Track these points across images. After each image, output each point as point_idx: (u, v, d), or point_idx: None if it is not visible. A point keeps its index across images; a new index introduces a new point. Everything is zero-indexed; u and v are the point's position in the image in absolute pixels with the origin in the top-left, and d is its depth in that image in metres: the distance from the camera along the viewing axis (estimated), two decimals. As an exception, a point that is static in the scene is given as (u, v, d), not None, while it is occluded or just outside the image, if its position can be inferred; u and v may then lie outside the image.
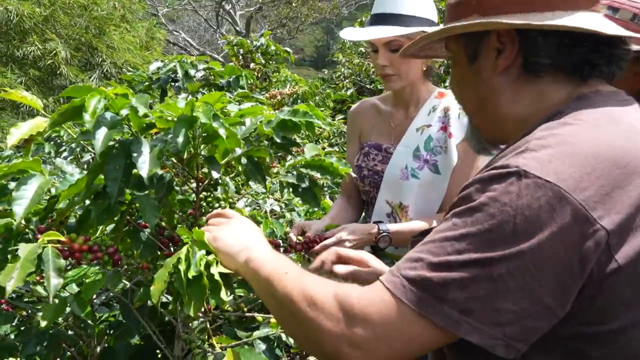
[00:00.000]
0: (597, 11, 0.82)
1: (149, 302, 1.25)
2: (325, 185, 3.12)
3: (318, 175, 1.30)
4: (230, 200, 1.31)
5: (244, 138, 1.19)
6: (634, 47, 0.86)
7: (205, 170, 1.20)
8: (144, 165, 1.01)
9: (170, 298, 1.24)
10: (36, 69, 6.73)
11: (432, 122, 1.68)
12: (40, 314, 1.14)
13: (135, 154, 1.02)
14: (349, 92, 7.39)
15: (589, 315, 0.69)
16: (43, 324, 1.09)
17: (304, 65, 25.71)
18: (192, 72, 2.86)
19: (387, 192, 1.70)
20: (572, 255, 0.65)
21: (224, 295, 0.97)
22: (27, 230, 1.12)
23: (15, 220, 1.02)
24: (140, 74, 3.14)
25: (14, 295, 1.37)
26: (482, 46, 0.84)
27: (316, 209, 2.35)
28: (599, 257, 0.66)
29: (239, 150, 1.20)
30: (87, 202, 1.14)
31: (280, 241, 1.43)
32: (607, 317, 0.69)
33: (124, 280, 1.23)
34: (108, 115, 1.03)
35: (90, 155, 2.66)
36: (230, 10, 18.21)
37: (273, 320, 1.45)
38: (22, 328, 1.39)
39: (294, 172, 1.30)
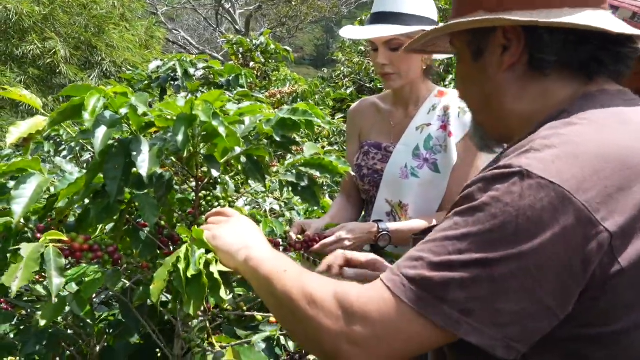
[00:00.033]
0: (605, 9, 0.81)
1: (148, 301, 1.25)
2: (324, 184, 3.12)
3: (317, 174, 1.30)
4: (230, 199, 1.31)
5: (243, 137, 1.18)
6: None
7: (205, 169, 1.19)
8: (143, 164, 1.01)
9: (169, 297, 1.24)
10: (35, 67, 6.73)
11: (431, 121, 1.68)
12: (39, 313, 1.14)
13: (134, 153, 1.02)
14: (348, 91, 7.39)
15: (590, 317, 0.68)
16: (42, 323, 1.09)
17: (304, 64, 25.71)
18: (191, 71, 2.86)
19: (387, 191, 1.70)
20: (574, 257, 0.65)
21: (224, 294, 0.97)
22: (26, 229, 1.12)
23: (14, 219, 1.01)
24: (140, 72, 3.15)
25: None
26: (488, 43, 0.83)
27: (315, 208, 2.35)
28: (601, 259, 0.65)
29: (238, 149, 1.19)
30: (87, 201, 1.13)
31: (280, 240, 1.43)
32: (610, 318, 0.68)
33: (123, 280, 1.23)
34: (107, 114, 1.03)
35: (90, 154, 2.66)
36: (230, 9, 18.20)
37: (272, 319, 1.45)
38: (22, 327, 1.38)
39: (294, 171, 1.30)
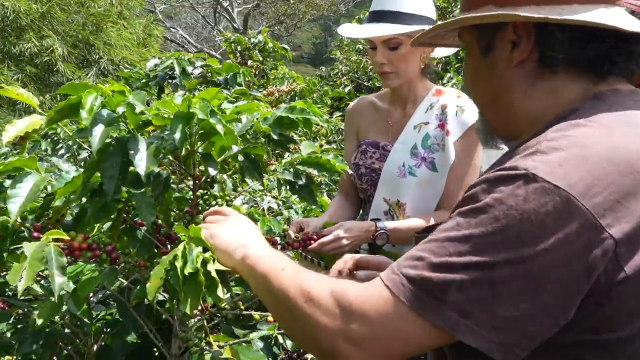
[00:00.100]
0: (620, 5, 0.79)
1: (145, 300, 1.25)
2: (322, 182, 3.12)
3: (315, 172, 1.30)
4: (227, 198, 1.31)
5: (240, 135, 1.18)
6: None
7: (202, 167, 1.19)
8: (141, 163, 1.01)
9: (167, 296, 1.23)
10: (33, 65, 6.71)
11: (429, 120, 1.68)
12: (36, 312, 1.14)
13: (132, 152, 1.01)
14: (346, 90, 7.40)
15: (594, 324, 0.67)
16: (39, 322, 1.08)
17: (302, 63, 25.68)
18: (189, 69, 2.86)
19: (385, 189, 1.70)
20: (577, 264, 0.63)
21: (221, 292, 0.97)
22: (22, 228, 1.11)
23: (10, 218, 1.01)
24: (138, 71, 3.14)
25: (9, 293, 1.37)
26: (497, 38, 0.81)
27: (313, 207, 2.35)
28: (606, 266, 0.64)
29: (235, 148, 1.19)
30: (84, 199, 1.13)
31: (278, 239, 1.43)
32: (615, 325, 0.67)
33: (120, 278, 1.22)
34: (105, 112, 1.02)
35: (87, 152, 2.65)
36: (228, 7, 18.16)
37: (270, 318, 1.45)
38: (19, 326, 1.38)
39: (291, 170, 1.30)
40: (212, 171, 1.14)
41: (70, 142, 2.61)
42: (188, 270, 0.93)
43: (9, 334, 1.41)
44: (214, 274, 0.95)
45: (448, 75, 5.37)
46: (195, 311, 1.06)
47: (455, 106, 1.66)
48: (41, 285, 1.32)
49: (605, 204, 0.64)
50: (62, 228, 1.12)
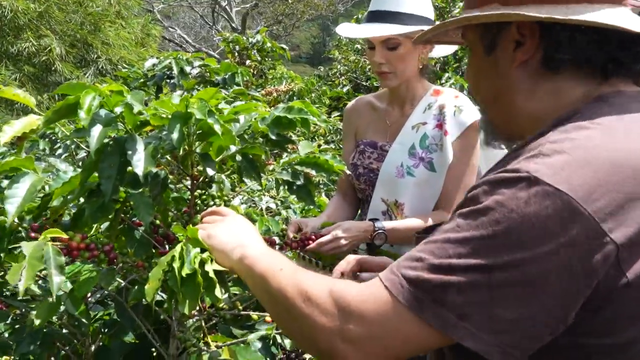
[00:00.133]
0: (625, 5, 0.77)
1: (143, 300, 1.24)
2: (321, 182, 3.12)
3: (313, 172, 1.30)
4: (225, 198, 1.31)
5: (238, 135, 1.18)
6: None
7: (200, 167, 1.19)
8: (139, 163, 1.00)
9: (165, 296, 1.23)
10: (31, 65, 6.69)
11: (427, 120, 1.68)
12: (34, 312, 1.14)
13: (130, 152, 1.01)
14: (345, 89, 7.40)
15: (595, 327, 0.67)
16: (37, 322, 1.08)
17: (300, 62, 25.69)
18: (187, 69, 2.86)
19: (383, 189, 1.70)
20: (578, 268, 0.63)
21: (219, 293, 0.97)
22: (20, 228, 1.11)
23: (7, 218, 1.01)
24: (136, 70, 3.14)
25: (7, 293, 1.37)
26: (501, 37, 0.80)
27: (311, 207, 2.35)
28: (607, 270, 0.63)
29: (233, 148, 1.19)
30: (82, 200, 1.13)
31: (276, 239, 1.43)
32: (616, 329, 0.67)
33: (118, 279, 1.22)
34: (103, 112, 1.02)
35: (85, 152, 2.65)
36: (226, 7, 18.15)
37: (268, 318, 1.45)
38: (16, 326, 1.38)
39: (289, 170, 1.30)
40: (210, 171, 1.13)
41: (68, 142, 2.60)
42: (186, 271, 0.93)
43: (6, 334, 1.41)
44: (211, 275, 0.95)
45: (446, 75, 5.37)
46: (193, 311, 1.06)
47: (453, 106, 1.66)
48: (39, 286, 1.31)
49: (608, 208, 0.63)
50: (59, 228, 1.12)
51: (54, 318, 1.32)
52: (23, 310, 1.35)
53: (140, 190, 1.09)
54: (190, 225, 1.03)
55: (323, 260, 1.51)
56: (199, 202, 1.25)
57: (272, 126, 1.19)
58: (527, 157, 0.69)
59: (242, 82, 2.90)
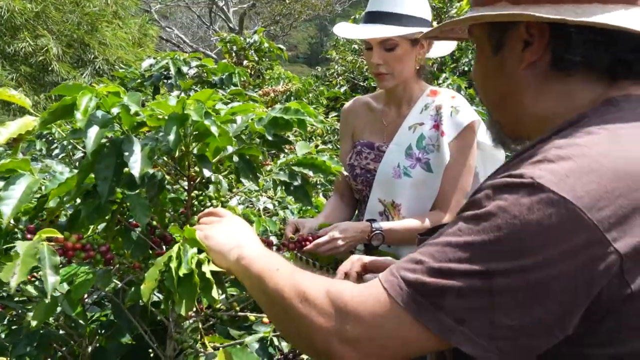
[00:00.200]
0: (639, 5, 0.75)
1: (140, 301, 1.24)
2: (318, 182, 3.12)
3: (310, 173, 1.30)
4: (223, 199, 1.31)
5: (235, 136, 1.18)
6: None
7: (197, 168, 1.19)
8: (135, 165, 1.00)
9: (162, 297, 1.23)
10: (27, 65, 6.69)
11: (424, 120, 1.68)
12: (30, 313, 1.13)
13: (126, 153, 1.01)
14: (342, 90, 7.39)
15: (597, 337, 0.66)
16: (33, 323, 1.08)
17: (298, 63, 25.69)
18: (184, 69, 2.86)
19: (380, 190, 1.70)
20: (580, 277, 0.62)
21: (216, 293, 0.97)
22: (16, 230, 1.11)
23: (3, 220, 1.01)
24: (133, 71, 3.14)
25: (4, 294, 1.36)
26: (508, 36, 0.78)
27: (309, 207, 2.35)
28: (610, 280, 0.62)
29: (230, 148, 1.19)
30: (78, 201, 1.13)
31: (274, 239, 1.43)
32: (621, 340, 0.66)
33: (115, 280, 1.22)
34: (99, 113, 1.02)
35: (82, 153, 2.64)
36: (224, 7, 18.14)
37: (266, 319, 1.45)
38: (13, 328, 1.37)
39: (286, 171, 1.30)
40: (206, 172, 1.13)
41: (65, 142, 2.60)
42: (183, 271, 0.93)
43: (3, 336, 1.41)
44: (208, 275, 0.95)
45: (443, 75, 5.37)
46: (190, 312, 1.06)
47: (450, 107, 1.66)
48: (35, 287, 1.31)
49: (613, 218, 0.62)
50: (56, 229, 1.12)
51: (51, 319, 1.32)
52: (20, 311, 1.35)
53: (137, 191, 1.09)
54: (187, 226, 1.02)
55: (320, 261, 1.51)
56: (196, 203, 1.25)
57: (269, 127, 1.19)
58: (532, 162, 0.68)
59: (240, 82, 2.90)
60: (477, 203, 0.69)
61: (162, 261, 0.94)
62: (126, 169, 1.04)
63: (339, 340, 0.71)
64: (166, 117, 1.04)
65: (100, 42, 7.26)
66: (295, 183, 1.29)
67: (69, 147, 2.71)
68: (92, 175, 1.06)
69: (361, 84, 7.52)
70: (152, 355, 1.42)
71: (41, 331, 1.30)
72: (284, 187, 1.31)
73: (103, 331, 1.46)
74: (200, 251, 0.98)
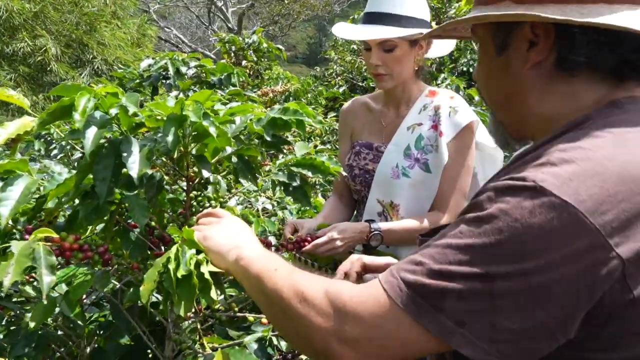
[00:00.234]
0: None
1: (139, 302, 1.24)
2: (317, 183, 3.12)
3: (309, 174, 1.30)
4: (221, 199, 1.31)
5: (234, 136, 1.18)
6: None
7: (196, 169, 1.19)
8: (134, 165, 1.00)
9: (161, 298, 1.23)
10: (26, 65, 6.68)
11: (423, 121, 1.68)
12: (29, 314, 1.13)
13: (125, 154, 1.01)
14: (341, 90, 7.40)
15: (599, 342, 0.66)
16: (32, 324, 1.08)
17: (296, 63, 25.70)
18: (183, 69, 2.85)
19: (378, 191, 1.70)
20: (581, 281, 0.61)
21: (214, 294, 0.96)
22: (14, 230, 1.11)
23: (1, 221, 1.00)
24: (131, 71, 3.13)
25: (2, 295, 1.36)
26: (513, 36, 0.77)
27: (308, 208, 2.35)
28: (612, 285, 0.62)
29: (229, 149, 1.19)
30: (76, 201, 1.13)
31: (272, 240, 1.43)
32: (623, 345, 0.66)
33: (113, 281, 1.22)
34: (98, 114, 1.02)
35: (80, 153, 2.64)
36: (222, 7, 18.14)
37: (264, 320, 1.45)
38: (11, 328, 1.37)
39: (285, 171, 1.30)
40: (205, 173, 1.13)
41: (63, 143, 2.60)
42: (181, 272, 0.93)
43: (1, 336, 1.40)
44: (207, 276, 0.95)
45: (442, 75, 5.38)
46: (189, 313, 1.06)
47: (448, 107, 1.66)
48: (33, 287, 1.31)
49: (615, 223, 0.61)
50: (54, 230, 1.11)
51: (49, 320, 1.31)
52: (18, 312, 1.35)
53: (136, 192, 1.09)
54: (186, 227, 1.02)
55: (319, 262, 1.51)
56: (194, 203, 1.25)
57: (268, 127, 1.19)
58: (535, 165, 0.67)
59: (238, 82, 2.90)
60: (478, 205, 0.69)
61: (160, 262, 0.94)
62: (124, 170, 1.03)
63: (338, 340, 0.71)
64: (165, 118, 1.04)
65: (99, 42, 7.26)
66: (294, 183, 1.29)
67: (68, 147, 2.70)
68: (91, 176, 1.06)
69: (360, 84, 7.52)
70: (150, 355, 1.42)
71: (39, 332, 1.30)
72: (282, 188, 1.31)
73: (101, 332, 1.45)
74: (198, 252, 0.98)
